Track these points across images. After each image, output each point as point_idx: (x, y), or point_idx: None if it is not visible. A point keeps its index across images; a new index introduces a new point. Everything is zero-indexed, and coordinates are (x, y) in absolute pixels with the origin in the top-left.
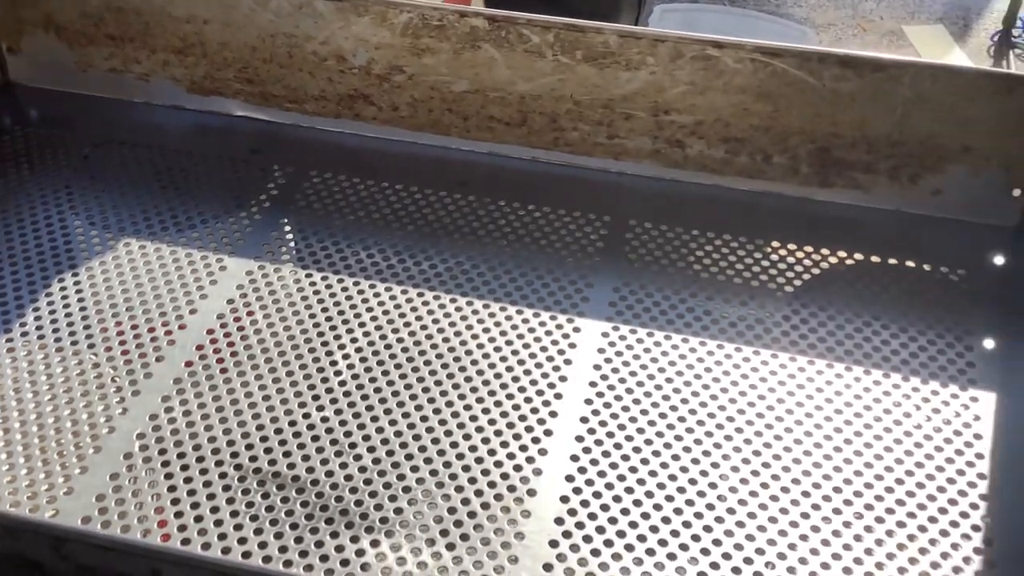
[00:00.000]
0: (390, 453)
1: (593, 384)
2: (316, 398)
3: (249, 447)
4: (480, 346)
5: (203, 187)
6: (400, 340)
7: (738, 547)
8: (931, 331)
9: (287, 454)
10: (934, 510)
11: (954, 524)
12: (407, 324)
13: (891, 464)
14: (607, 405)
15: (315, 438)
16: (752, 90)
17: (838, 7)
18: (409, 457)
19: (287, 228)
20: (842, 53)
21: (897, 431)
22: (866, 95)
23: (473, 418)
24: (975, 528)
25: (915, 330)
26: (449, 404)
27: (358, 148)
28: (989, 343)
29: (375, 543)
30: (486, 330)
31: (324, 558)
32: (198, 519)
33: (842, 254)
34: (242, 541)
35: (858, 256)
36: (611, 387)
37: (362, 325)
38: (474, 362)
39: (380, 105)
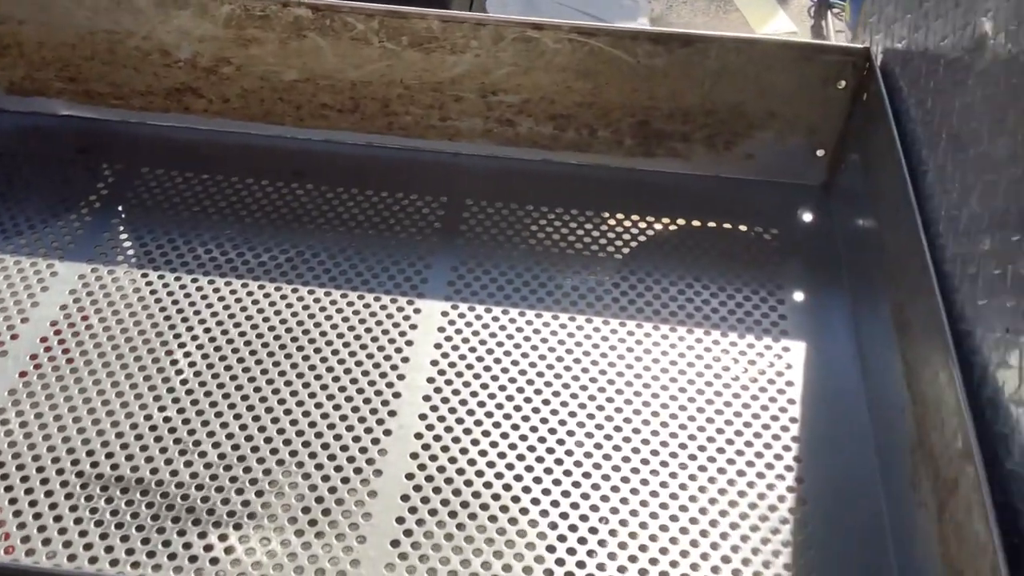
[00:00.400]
0: (235, 447)
1: (435, 363)
2: (157, 398)
3: (90, 453)
4: (323, 334)
5: (29, 191)
6: (242, 334)
7: (584, 496)
8: (747, 288)
9: (130, 457)
10: (752, 455)
11: (769, 466)
12: (248, 317)
13: (712, 415)
14: (449, 382)
15: (158, 439)
16: (573, 69)
17: None
18: (255, 450)
19: (120, 228)
20: (653, 31)
21: (717, 384)
22: (677, 69)
23: (318, 405)
24: (788, 468)
25: (732, 288)
26: (294, 394)
27: (190, 142)
28: (799, 295)
29: (223, 537)
30: (328, 317)
31: (172, 556)
32: (41, 528)
33: (666, 220)
34: (88, 547)
35: (680, 221)
36: (452, 364)
37: (202, 322)
38: (317, 350)
39: (210, 97)
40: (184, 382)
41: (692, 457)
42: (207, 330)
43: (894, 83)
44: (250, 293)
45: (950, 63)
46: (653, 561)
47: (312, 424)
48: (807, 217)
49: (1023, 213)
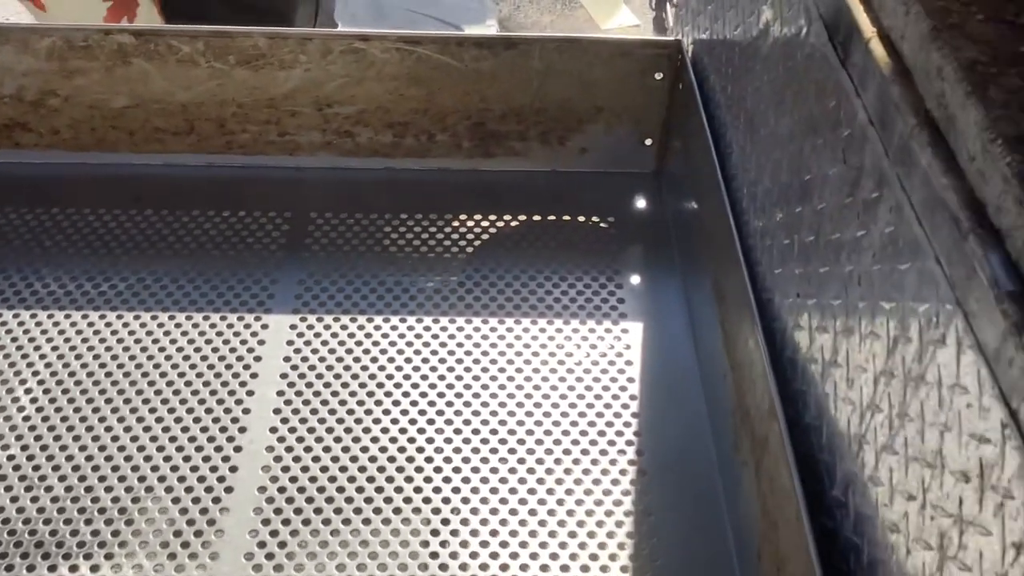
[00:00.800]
0: (82, 479)
1: (284, 375)
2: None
3: None
4: (168, 357)
5: None
6: (84, 365)
7: (436, 490)
8: (587, 276)
9: None
10: (595, 433)
11: (612, 443)
12: (90, 348)
13: (556, 400)
14: (299, 393)
15: (1, 477)
16: (404, 77)
17: None
18: (102, 479)
19: None
20: (476, 35)
21: (561, 369)
22: (505, 71)
23: (166, 429)
24: (629, 443)
25: (573, 277)
26: (140, 420)
27: (23, 176)
28: (636, 279)
29: (74, 568)
30: (173, 341)
31: None
32: None
33: (508, 217)
34: None
35: (522, 217)
36: (302, 375)
37: (43, 357)
38: (163, 374)
39: (39, 131)
40: (26, 418)
41: (539, 442)
42: (48, 364)
43: (702, 72)
44: (91, 324)
45: (743, 50)
46: (513, 534)
47: (160, 448)
48: (640, 204)
49: (803, 186)
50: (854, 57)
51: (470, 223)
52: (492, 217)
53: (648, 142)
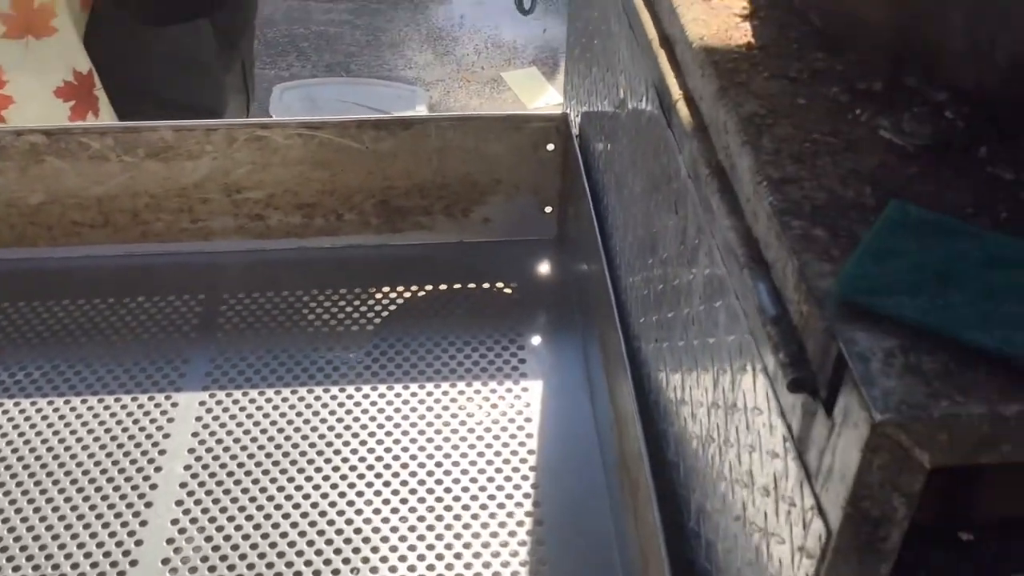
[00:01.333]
0: None
1: (192, 451)
2: None
3: None
4: (79, 439)
5: None
6: None
7: (337, 551)
8: (490, 339)
9: None
10: (493, 489)
11: (510, 496)
12: (4, 435)
13: (458, 459)
14: (206, 467)
15: None
16: (308, 161)
17: (444, 64)
18: (10, 560)
19: None
20: (374, 118)
21: (463, 430)
22: (405, 150)
23: (74, 508)
24: (526, 496)
25: (476, 341)
26: (49, 500)
27: None
28: (536, 340)
29: None
30: (84, 424)
31: None
32: None
33: (415, 288)
34: None
35: (428, 287)
36: (210, 449)
37: None
38: (73, 456)
39: None
40: None
41: (439, 499)
42: None
43: (586, 140)
44: (5, 412)
45: (611, 119)
46: None
47: (68, 527)
48: (544, 269)
49: (652, 238)
50: (674, 119)
51: (379, 295)
52: (400, 288)
53: (548, 209)
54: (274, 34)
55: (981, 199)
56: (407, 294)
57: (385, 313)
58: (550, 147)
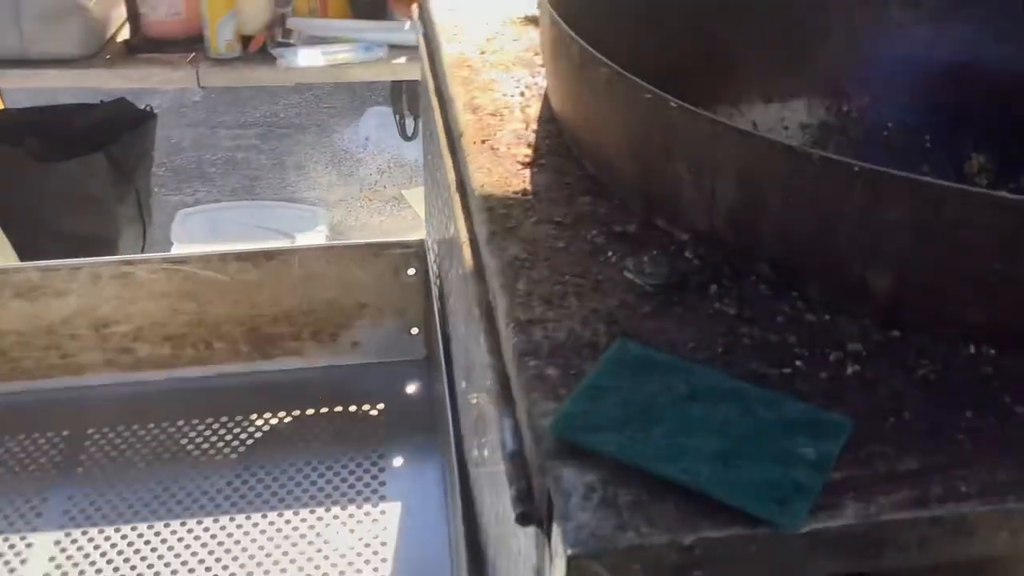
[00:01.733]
0: None
1: None
2: None
3: None
4: None
5: None
6: None
7: None
8: (352, 462)
9: None
10: None
11: None
12: None
13: None
14: None
15: None
16: (174, 293)
17: (347, 184)
18: None
19: None
20: (238, 250)
21: (318, 557)
22: (269, 279)
23: None
24: None
25: (339, 465)
26: None
27: None
28: (399, 461)
29: None
30: None
31: None
32: None
33: (282, 414)
34: None
35: (296, 412)
36: None
37: None
38: None
39: None
40: None
41: None
42: None
43: (440, 266)
44: None
45: (449, 245)
46: None
47: None
48: (411, 390)
49: (469, 364)
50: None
51: (244, 423)
52: (267, 415)
53: (415, 331)
54: (181, 160)
55: (703, 333)
56: (274, 420)
57: (251, 441)
58: (411, 272)
